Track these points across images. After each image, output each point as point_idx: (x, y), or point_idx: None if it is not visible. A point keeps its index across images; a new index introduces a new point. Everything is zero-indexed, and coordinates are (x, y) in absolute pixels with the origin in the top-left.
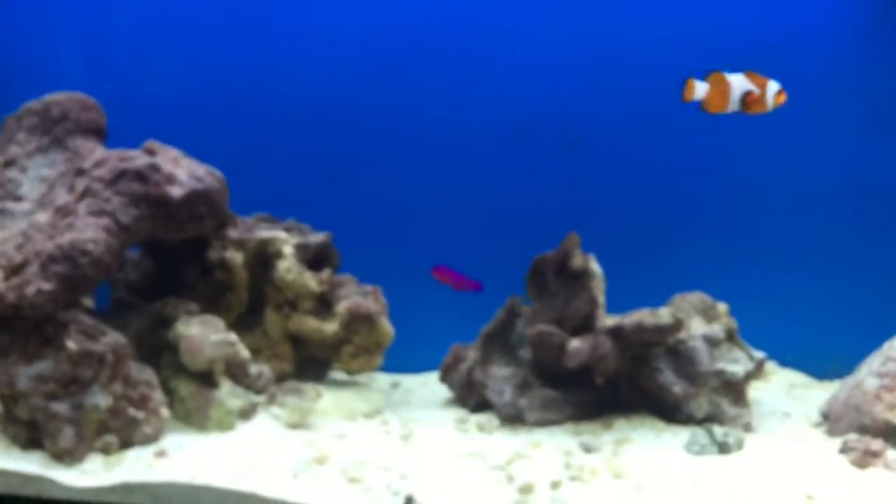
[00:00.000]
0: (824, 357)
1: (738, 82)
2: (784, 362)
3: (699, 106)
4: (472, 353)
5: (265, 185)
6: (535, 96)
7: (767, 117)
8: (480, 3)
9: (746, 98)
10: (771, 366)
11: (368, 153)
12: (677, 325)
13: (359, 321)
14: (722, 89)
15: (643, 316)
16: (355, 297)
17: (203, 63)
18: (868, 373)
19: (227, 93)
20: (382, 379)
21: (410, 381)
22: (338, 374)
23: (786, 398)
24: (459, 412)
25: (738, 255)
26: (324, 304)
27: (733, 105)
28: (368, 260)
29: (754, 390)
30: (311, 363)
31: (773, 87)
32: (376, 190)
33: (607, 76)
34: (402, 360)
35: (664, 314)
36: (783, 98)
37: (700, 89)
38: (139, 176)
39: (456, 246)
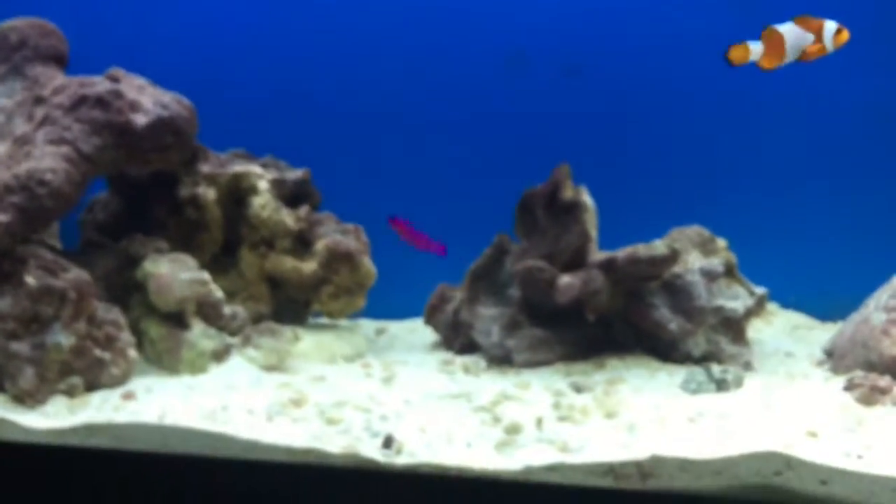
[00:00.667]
0: (828, 298)
1: (791, 33)
2: (786, 304)
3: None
4: (458, 294)
5: (244, 125)
6: (529, 22)
7: None
8: None
9: (804, 49)
10: (773, 307)
11: (352, 87)
12: (673, 256)
13: (338, 259)
14: (775, 44)
15: (637, 248)
16: (335, 235)
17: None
18: (875, 307)
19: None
20: (367, 325)
21: (397, 328)
22: (320, 319)
23: (788, 339)
24: (445, 354)
25: (738, 192)
26: (302, 243)
27: (790, 57)
28: (353, 200)
29: (755, 331)
30: (290, 305)
31: (829, 28)
32: (361, 125)
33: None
34: (389, 307)
35: (659, 246)
36: (845, 36)
37: (755, 51)
38: (101, 102)
39: (445, 183)
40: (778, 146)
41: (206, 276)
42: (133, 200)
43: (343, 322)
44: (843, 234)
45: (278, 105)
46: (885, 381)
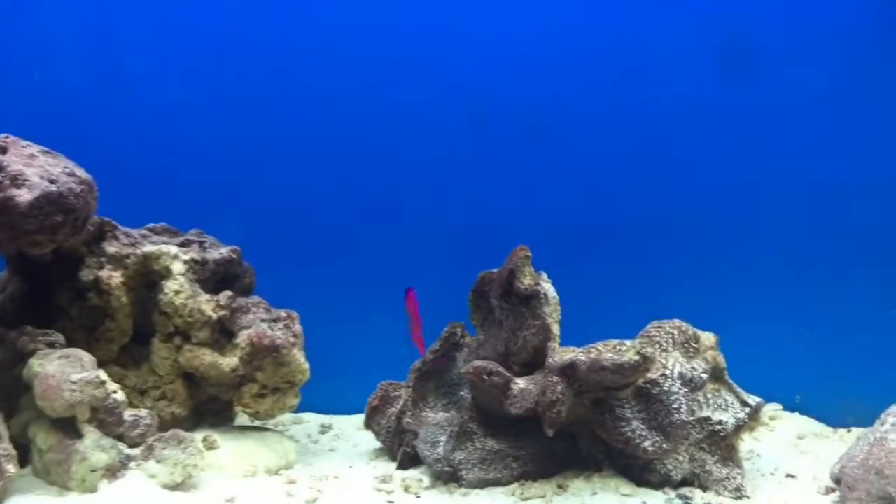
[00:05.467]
0: (840, 400)
1: None
2: (791, 406)
3: None
4: (403, 393)
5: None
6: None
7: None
8: None
9: None
10: (775, 410)
11: (304, 159)
12: (643, 364)
13: (263, 354)
14: None
15: (603, 351)
16: (261, 325)
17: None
18: (892, 426)
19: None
20: (313, 420)
21: (345, 424)
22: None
23: (792, 452)
24: (387, 467)
25: (732, 272)
26: (225, 334)
27: None
28: (303, 282)
29: (752, 441)
30: (211, 404)
31: None
32: (314, 199)
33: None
34: (339, 399)
35: (628, 349)
36: None
37: None
38: None
39: (406, 263)
40: (781, 215)
41: (102, 375)
42: (35, 283)
43: (283, 420)
44: (858, 325)
45: (218, 175)
46: None
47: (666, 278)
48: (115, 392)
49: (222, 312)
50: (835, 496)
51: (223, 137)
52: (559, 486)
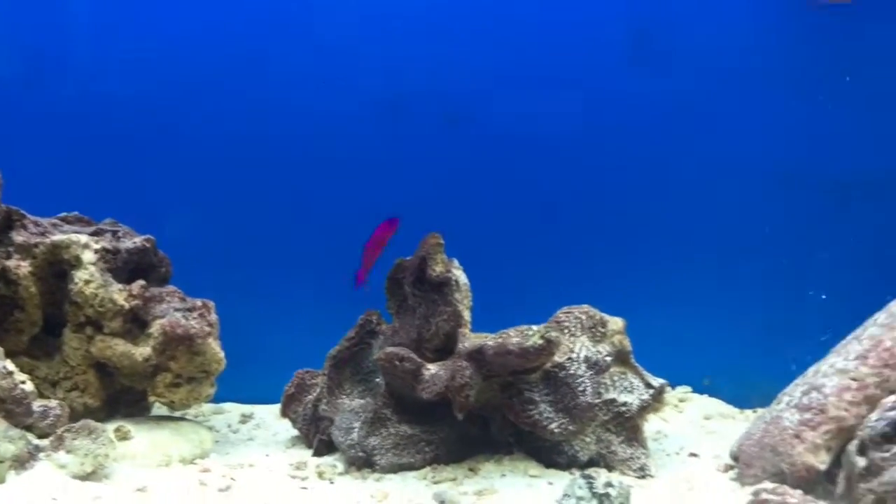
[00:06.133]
0: (746, 382)
1: None
2: (700, 388)
3: None
4: (320, 381)
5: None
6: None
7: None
8: None
9: None
10: (685, 392)
11: (227, 151)
12: (547, 347)
13: (176, 343)
14: None
15: (509, 336)
16: (175, 314)
17: None
18: (787, 405)
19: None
20: (234, 410)
21: (266, 412)
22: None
23: (698, 432)
24: (303, 454)
25: (642, 256)
26: (138, 324)
27: None
28: (226, 271)
29: (661, 422)
30: (126, 395)
31: None
32: (235, 190)
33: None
34: (261, 388)
35: (534, 334)
36: None
37: None
38: None
39: (326, 251)
40: (693, 198)
41: (8, 366)
42: None
43: (203, 409)
44: (764, 308)
45: (137, 165)
46: (796, 496)
47: (580, 264)
48: (23, 383)
49: (135, 302)
50: (733, 473)
51: (143, 127)
52: (470, 470)
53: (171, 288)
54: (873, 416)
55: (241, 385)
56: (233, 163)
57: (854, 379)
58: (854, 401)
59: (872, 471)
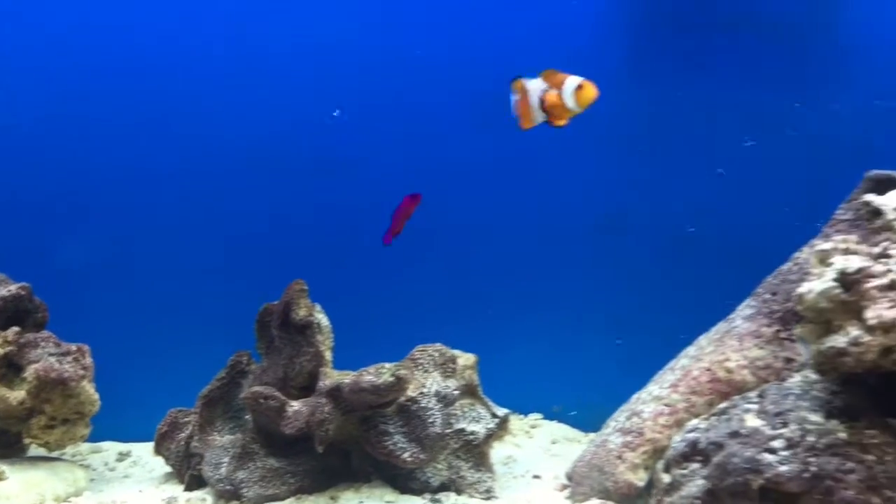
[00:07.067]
0: (593, 408)
1: (535, 86)
2: (550, 415)
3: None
4: (192, 419)
5: None
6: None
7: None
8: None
9: (544, 102)
10: (536, 419)
11: (96, 194)
12: (398, 384)
13: (51, 387)
14: (524, 99)
15: (364, 374)
16: (49, 359)
17: None
18: (613, 429)
19: None
20: (112, 449)
21: (144, 451)
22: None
23: (544, 456)
24: (175, 489)
25: (500, 299)
26: (13, 369)
27: (536, 115)
28: (103, 314)
29: (513, 447)
30: (1, 438)
31: (571, 83)
32: (110, 233)
33: None
34: (139, 426)
35: (386, 372)
36: (589, 93)
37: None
38: None
39: (201, 294)
40: (541, 250)
41: None
42: None
43: (80, 449)
44: (604, 341)
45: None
46: None
47: (444, 305)
48: None
49: (9, 348)
50: (567, 492)
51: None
52: (331, 498)
53: (46, 333)
54: (676, 437)
55: (120, 424)
56: (105, 211)
57: (667, 405)
58: (667, 424)
59: (674, 486)
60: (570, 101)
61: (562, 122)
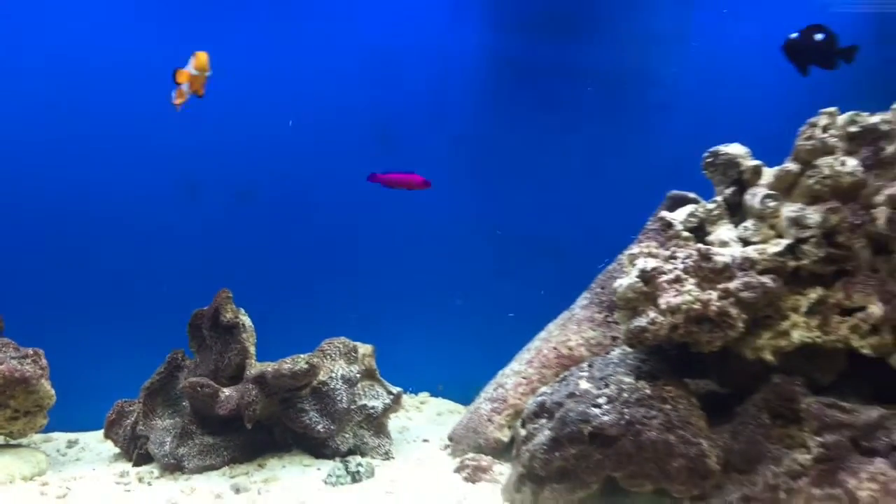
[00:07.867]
0: (469, 386)
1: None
2: (435, 393)
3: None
4: (136, 408)
5: None
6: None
7: None
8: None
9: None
10: (425, 396)
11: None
12: (311, 370)
13: (15, 385)
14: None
15: (284, 363)
16: (11, 361)
17: None
18: (484, 398)
19: None
20: (61, 438)
21: (90, 438)
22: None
23: (432, 425)
24: (125, 466)
25: (391, 300)
26: None
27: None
28: (49, 321)
29: (407, 419)
30: None
31: (191, 59)
32: (66, 245)
33: None
34: (86, 417)
35: (301, 360)
36: (201, 58)
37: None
38: None
39: (142, 301)
40: (423, 257)
41: None
42: None
43: (34, 438)
44: (479, 333)
45: None
46: (486, 460)
47: (341, 306)
48: None
49: None
50: (449, 450)
51: None
52: (259, 465)
53: (5, 340)
54: (530, 400)
55: (67, 416)
56: (52, 223)
57: (524, 377)
58: (525, 392)
59: (529, 437)
60: (192, 70)
61: (200, 92)
